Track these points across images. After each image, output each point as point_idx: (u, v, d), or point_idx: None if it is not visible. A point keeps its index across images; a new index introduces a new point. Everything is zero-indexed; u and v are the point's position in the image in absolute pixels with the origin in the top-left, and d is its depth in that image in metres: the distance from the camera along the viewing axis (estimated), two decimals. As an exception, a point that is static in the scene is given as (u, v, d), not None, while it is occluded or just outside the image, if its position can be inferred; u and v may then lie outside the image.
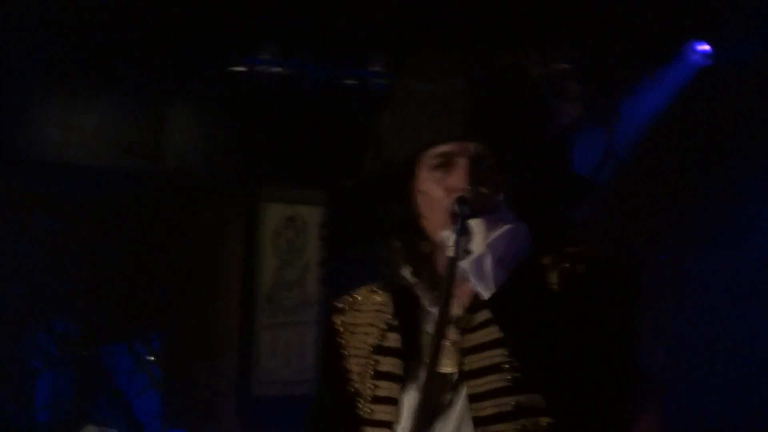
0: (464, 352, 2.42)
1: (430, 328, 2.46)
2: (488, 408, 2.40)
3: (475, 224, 2.38)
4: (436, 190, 2.45)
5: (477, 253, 2.38)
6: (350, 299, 2.59)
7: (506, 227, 2.40)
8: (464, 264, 2.38)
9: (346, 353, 2.56)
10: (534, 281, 2.48)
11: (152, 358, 6.62)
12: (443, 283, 2.36)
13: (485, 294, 2.39)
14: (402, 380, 2.48)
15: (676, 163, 6.86)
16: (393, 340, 2.52)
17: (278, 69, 6.43)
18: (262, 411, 6.85)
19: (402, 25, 6.44)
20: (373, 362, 2.50)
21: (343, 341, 2.57)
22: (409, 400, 2.46)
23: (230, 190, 7.02)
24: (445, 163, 2.45)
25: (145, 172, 6.56)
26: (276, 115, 6.71)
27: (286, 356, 6.88)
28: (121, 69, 6.29)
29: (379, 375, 2.49)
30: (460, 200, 2.37)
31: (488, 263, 2.39)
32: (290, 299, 6.95)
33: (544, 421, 2.37)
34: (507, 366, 2.38)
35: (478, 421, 2.39)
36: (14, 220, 6.45)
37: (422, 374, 2.44)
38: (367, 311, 2.58)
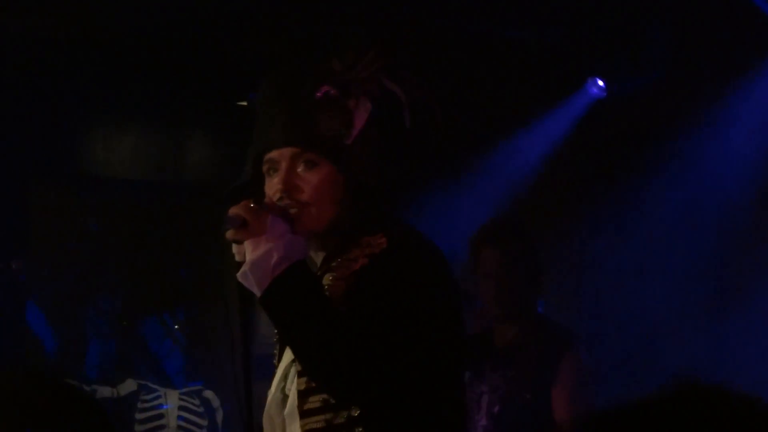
0: None
1: None
2: (304, 383, 2.67)
3: (246, 245, 2.59)
4: (268, 191, 2.68)
5: (243, 269, 2.60)
6: None
7: (265, 248, 2.57)
8: (239, 276, 2.62)
9: None
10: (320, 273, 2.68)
11: (177, 327, 6.66)
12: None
13: (257, 294, 2.62)
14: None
15: (577, 173, 6.95)
16: None
17: (274, 103, 6.65)
18: (260, 366, 7.44)
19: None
20: None
21: None
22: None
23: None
24: (272, 168, 2.66)
25: (169, 183, 6.89)
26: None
27: (276, 325, 7.33)
28: (153, 103, 6.58)
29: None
30: (227, 219, 2.62)
31: (250, 278, 2.60)
32: (280, 281, 7.34)
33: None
34: None
35: (299, 394, 2.70)
36: (69, 222, 6.60)
37: None
38: None
